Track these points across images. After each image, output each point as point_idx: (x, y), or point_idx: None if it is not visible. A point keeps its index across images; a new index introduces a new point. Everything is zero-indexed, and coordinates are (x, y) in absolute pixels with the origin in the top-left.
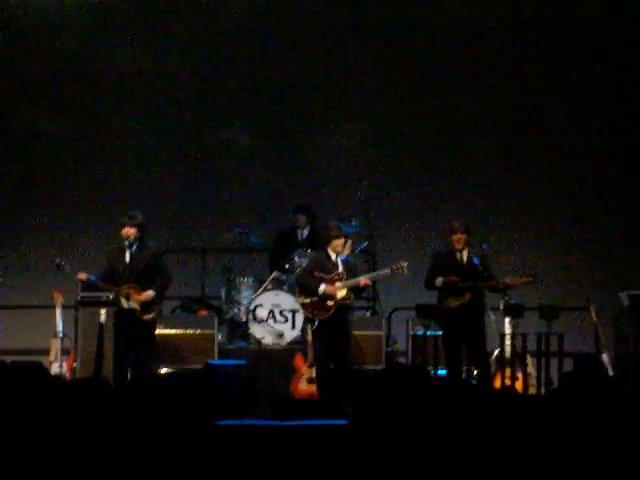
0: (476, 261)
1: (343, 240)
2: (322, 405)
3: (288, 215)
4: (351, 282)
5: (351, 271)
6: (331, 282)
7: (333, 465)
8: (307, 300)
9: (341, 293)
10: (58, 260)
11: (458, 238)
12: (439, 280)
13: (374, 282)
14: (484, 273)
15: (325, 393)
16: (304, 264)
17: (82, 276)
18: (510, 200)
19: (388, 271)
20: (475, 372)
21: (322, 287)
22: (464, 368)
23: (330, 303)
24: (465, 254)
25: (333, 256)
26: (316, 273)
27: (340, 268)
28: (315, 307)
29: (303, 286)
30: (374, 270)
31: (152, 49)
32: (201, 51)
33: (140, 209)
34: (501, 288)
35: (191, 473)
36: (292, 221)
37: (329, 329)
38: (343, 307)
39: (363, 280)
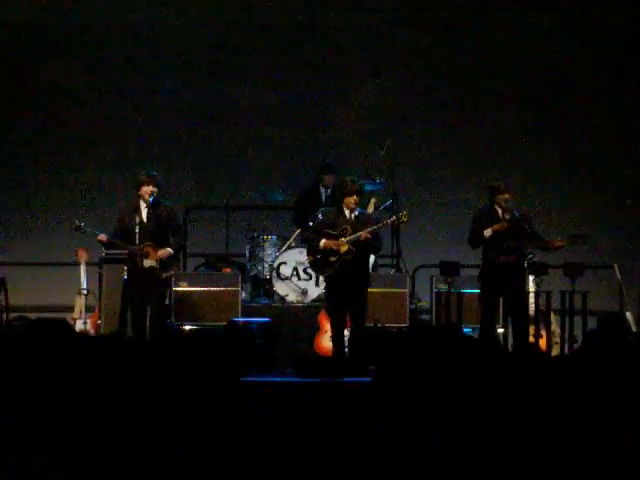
0: (517, 213)
1: (355, 196)
2: (346, 363)
3: (312, 173)
4: (352, 237)
5: (363, 226)
6: (336, 238)
7: (355, 423)
8: (313, 258)
9: (343, 248)
10: (77, 222)
11: (505, 198)
12: (488, 231)
13: (378, 235)
14: (529, 231)
15: (337, 350)
16: None
17: (102, 237)
18: (536, 156)
19: (388, 222)
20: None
21: (322, 242)
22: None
23: (333, 259)
24: (507, 213)
25: (347, 212)
26: (325, 230)
27: (350, 224)
28: (320, 264)
29: (308, 243)
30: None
31: (174, 5)
32: (225, 9)
33: (165, 168)
34: (550, 248)
35: (215, 429)
36: (316, 179)
37: (338, 286)
38: (348, 262)
39: (363, 234)
